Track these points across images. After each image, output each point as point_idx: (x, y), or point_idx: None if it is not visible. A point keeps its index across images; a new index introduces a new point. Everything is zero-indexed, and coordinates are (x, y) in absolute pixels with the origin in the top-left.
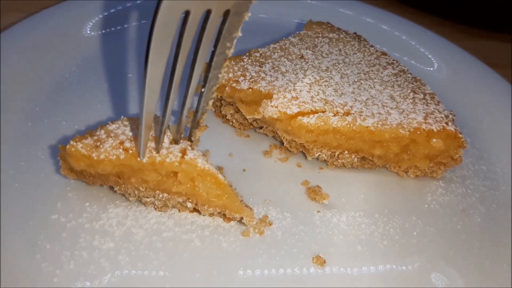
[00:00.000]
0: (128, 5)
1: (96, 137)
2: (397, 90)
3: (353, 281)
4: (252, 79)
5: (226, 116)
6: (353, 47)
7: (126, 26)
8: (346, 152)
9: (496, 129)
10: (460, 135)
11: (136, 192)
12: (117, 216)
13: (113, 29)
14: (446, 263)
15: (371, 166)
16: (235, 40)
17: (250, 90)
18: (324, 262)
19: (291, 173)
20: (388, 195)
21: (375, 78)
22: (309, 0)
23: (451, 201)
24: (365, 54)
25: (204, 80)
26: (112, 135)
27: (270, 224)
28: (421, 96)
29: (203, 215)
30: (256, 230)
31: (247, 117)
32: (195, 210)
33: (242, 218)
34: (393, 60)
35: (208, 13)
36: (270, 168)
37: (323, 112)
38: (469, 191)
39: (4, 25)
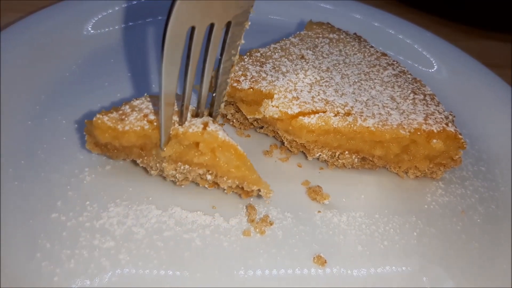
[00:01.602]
0: (126, 5)
1: (121, 111)
2: (397, 91)
3: (354, 281)
4: (253, 79)
5: (226, 115)
6: (353, 48)
7: (125, 25)
8: (346, 152)
9: (495, 131)
10: (460, 136)
11: (157, 165)
12: (118, 215)
13: (112, 28)
14: (446, 264)
15: (371, 167)
16: (239, 47)
17: (251, 90)
18: (325, 262)
19: (292, 173)
20: (388, 195)
21: (375, 79)
22: (309, 0)
23: (451, 201)
24: (365, 54)
25: (214, 86)
26: (137, 109)
27: (271, 224)
28: (421, 97)
29: (223, 189)
30: (257, 230)
31: (248, 117)
32: (215, 183)
33: (259, 191)
34: (393, 61)
35: (212, 26)
36: (270, 168)
37: (324, 112)
38: (469, 192)
39: (4, 26)
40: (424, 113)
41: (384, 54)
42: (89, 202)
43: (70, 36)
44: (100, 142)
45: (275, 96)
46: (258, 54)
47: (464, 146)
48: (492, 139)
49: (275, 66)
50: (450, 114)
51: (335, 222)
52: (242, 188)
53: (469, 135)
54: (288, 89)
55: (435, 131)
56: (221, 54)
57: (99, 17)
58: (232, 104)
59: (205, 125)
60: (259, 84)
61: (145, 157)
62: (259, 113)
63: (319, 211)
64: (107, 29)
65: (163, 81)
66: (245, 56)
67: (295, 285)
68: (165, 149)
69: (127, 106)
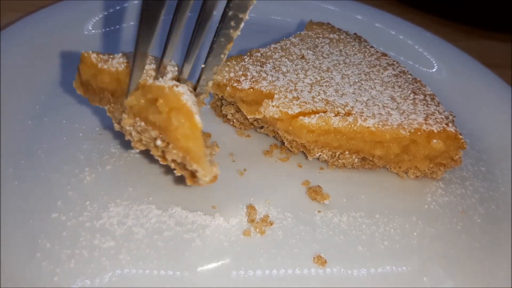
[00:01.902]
0: (126, 4)
1: (112, 56)
2: (398, 91)
3: (354, 281)
4: (253, 79)
5: (227, 115)
6: (353, 48)
7: (126, 25)
8: (346, 152)
9: (495, 131)
10: (460, 136)
11: (120, 116)
12: (118, 215)
13: (112, 28)
14: (446, 264)
15: (371, 167)
16: (242, 23)
17: (251, 89)
18: (325, 262)
19: (292, 173)
20: (389, 195)
21: (375, 79)
22: (309, 0)
23: (451, 202)
24: (366, 55)
25: (206, 56)
26: (126, 56)
27: (271, 224)
28: (422, 97)
29: (169, 164)
30: (257, 230)
31: (248, 117)
32: (163, 155)
33: (196, 172)
34: (393, 61)
35: None
36: (270, 168)
37: (324, 112)
38: (469, 192)
39: (4, 26)
40: (424, 113)
41: (384, 54)
42: (89, 202)
43: (70, 36)
44: (83, 79)
45: (276, 96)
46: (259, 54)
47: (464, 146)
48: (492, 139)
49: (275, 66)
50: (450, 114)
51: (335, 222)
52: (184, 165)
53: (469, 135)
54: (289, 89)
55: (435, 131)
56: (219, 23)
57: (99, 17)
58: (232, 104)
59: (176, 85)
60: (260, 84)
61: (113, 104)
62: (259, 113)
63: (319, 211)
64: (107, 29)
65: (140, 24)
66: (246, 56)
67: (295, 285)
68: (129, 97)
69: (121, 54)
